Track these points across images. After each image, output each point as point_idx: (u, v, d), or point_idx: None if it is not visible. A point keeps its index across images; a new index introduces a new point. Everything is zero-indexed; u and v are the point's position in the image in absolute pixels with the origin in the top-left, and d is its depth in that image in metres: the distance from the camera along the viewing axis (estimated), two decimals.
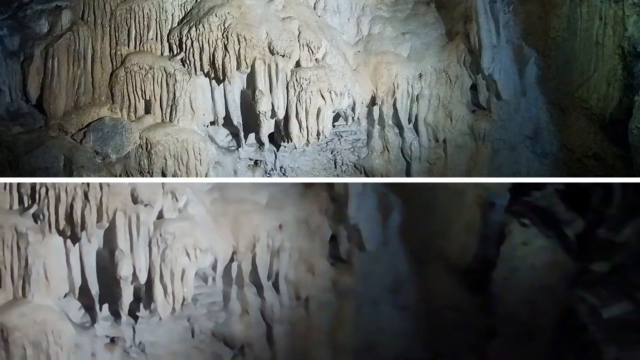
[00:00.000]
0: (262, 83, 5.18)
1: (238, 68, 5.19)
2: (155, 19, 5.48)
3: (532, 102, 5.89)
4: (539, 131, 5.92)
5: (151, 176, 5.27)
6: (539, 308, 4.97)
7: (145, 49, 5.47)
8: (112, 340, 4.85)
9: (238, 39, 5.14)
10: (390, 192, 5.13)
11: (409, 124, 5.87)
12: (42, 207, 4.35)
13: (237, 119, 5.51)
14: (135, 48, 5.50)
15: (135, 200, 4.41)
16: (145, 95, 5.40)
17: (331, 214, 5.02)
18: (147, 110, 5.42)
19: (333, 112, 5.43)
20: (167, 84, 5.34)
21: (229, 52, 5.16)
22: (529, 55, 5.85)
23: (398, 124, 5.90)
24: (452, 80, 5.78)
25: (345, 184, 4.95)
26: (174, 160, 5.27)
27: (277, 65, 5.16)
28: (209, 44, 5.22)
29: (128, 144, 5.31)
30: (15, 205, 4.43)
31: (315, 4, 5.77)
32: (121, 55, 5.49)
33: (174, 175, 5.25)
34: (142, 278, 4.42)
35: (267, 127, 5.37)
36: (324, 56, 5.41)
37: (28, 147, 5.27)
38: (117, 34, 5.53)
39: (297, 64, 5.29)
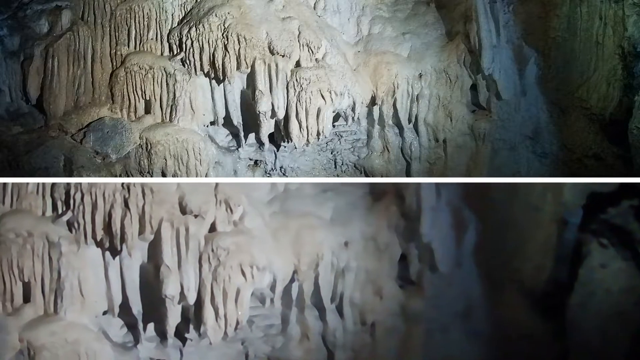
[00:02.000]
0: (262, 83, 5.18)
1: (238, 68, 5.19)
2: (155, 19, 5.48)
3: (532, 102, 5.89)
4: (539, 131, 5.92)
5: (151, 176, 5.27)
6: (613, 335, 4.69)
7: (145, 49, 5.47)
8: None
9: (238, 39, 5.14)
10: (465, 207, 4.78)
11: (409, 124, 5.87)
12: (77, 214, 3.99)
13: (237, 119, 5.50)
14: (135, 48, 5.50)
15: (183, 209, 4.06)
16: (145, 95, 5.40)
17: (401, 230, 4.67)
18: (147, 110, 5.42)
19: (333, 112, 5.42)
20: (167, 84, 5.34)
21: (229, 52, 5.16)
22: (529, 55, 5.85)
23: (398, 124, 5.90)
24: (452, 80, 5.78)
25: (418, 198, 4.56)
26: (174, 160, 5.27)
27: (277, 65, 5.16)
28: (209, 44, 5.22)
29: (128, 144, 5.31)
30: (48, 211, 4.12)
31: (315, 4, 5.77)
32: (121, 55, 5.49)
33: (174, 176, 5.25)
34: (191, 298, 4.07)
35: (267, 127, 5.36)
36: (324, 56, 5.40)
37: (28, 147, 5.26)
38: (117, 34, 5.53)
39: (297, 64, 5.29)
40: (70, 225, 4.07)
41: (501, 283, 4.94)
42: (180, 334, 4.34)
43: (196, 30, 5.24)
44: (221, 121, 5.55)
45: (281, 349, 4.69)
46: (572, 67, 5.81)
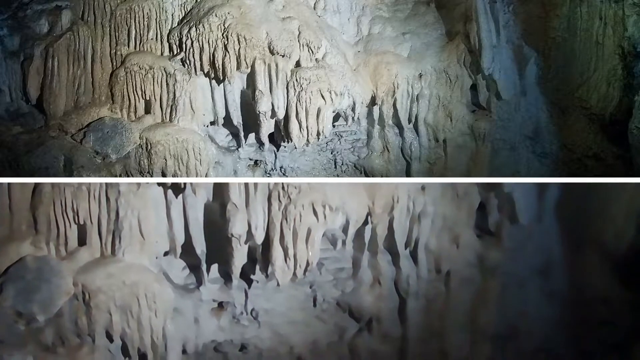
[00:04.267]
0: (262, 83, 5.18)
1: (238, 68, 5.19)
2: (155, 19, 5.48)
3: (532, 102, 5.89)
4: (539, 131, 5.92)
5: (151, 176, 5.27)
6: None
7: (145, 49, 5.47)
8: (220, 305, 4.36)
9: (238, 39, 5.14)
10: None
11: (409, 124, 5.87)
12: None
13: (237, 119, 5.50)
14: (135, 48, 5.50)
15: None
16: (145, 95, 5.39)
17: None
18: (147, 110, 5.42)
19: (333, 112, 5.42)
20: (167, 84, 5.34)
21: (229, 52, 5.15)
22: (529, 55, 5.85)
23: (398, 124, 5.90)
24: (452, 80, 5.78)
25: None
26: (174, 160, 5.27)
27: (277, 65, 5.16)
28: (209, 44, 5.22)
29: (128, 144, 5.30)
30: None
31: (315, 4, 5.77)
32: (121, 55, 5.49)
33: (174, 175, 5.25)
34: (259, 238, 3.91)
35: (267, 127, 5.36)
36: (324, 56, 5.40)
37: (28, 147, 5.26)
38: (117, 34, 5.53)
39: (297, 64, 5.29)
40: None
41: (582, 242, 4.80)
42: (245, 275, 4.19)
43: (196, 30, 5.23)
44: (221, 121, 5.55)
45: (351, 293, 4.56)
46: (572, 67, 5.81)
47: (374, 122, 5.94)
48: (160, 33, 5.49)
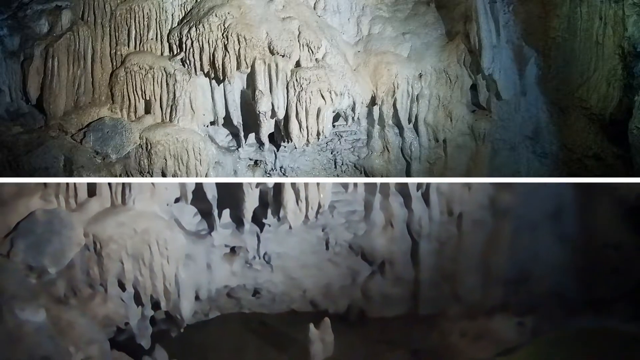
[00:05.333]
0: (262, 83, 5.18)
1: (238, 68, 5.19)
2: (155, 19, 5.48)
3: (532, 102, 5.89)
4: (539, 131, 5.92)
5: (151, 176, 5.26)
6: None
7: (145, 49, 5.47)
8: (233, 250, 4.32)
9: (238, 39, 5.14)
10: None
11: (409, 124, 5.87)
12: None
13: (237, 119, 5.50)
14: (135, 48, 5.50)
15: None
16: (145, 95, 5.39)
17: None
18: (147, 110, 5.42)
19: (333, 112, 5.42)
20: (167, 84, 5.34)
21: (229, 52, 5.15)
22: (529, 55, 5.84)
23: (398, 124, 5.90)
24: (452, 80, 5.78)
25: None
26: (174, 160, 5.27)
27: (277, 65, 5.16)
28: (209, 44, 5.22)
29: (128, 144, 5.30)
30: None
31: (315, 4, 5.77)
32: (121, 55, 5.49)
33: (174, 175, 5.25)
34: (269, 183, 3.85)
35: (267, 127, 5.36)
36: (324, 56, 5.40)
37: (28, 147, 5.26)
38: (117, 34, 5.53)
39: (297, 64, 5.29)
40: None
41: (593, 190, 4.79)
42: (257, 219, 4.13)
43: (196, 30, 5.23)
44: (221, 121, 5.55)
45: (363, 236, 4.51)
46: (572, 67, 5.80)
47: (374, 122, 5.94)
48: (160, 33, 5.49)
